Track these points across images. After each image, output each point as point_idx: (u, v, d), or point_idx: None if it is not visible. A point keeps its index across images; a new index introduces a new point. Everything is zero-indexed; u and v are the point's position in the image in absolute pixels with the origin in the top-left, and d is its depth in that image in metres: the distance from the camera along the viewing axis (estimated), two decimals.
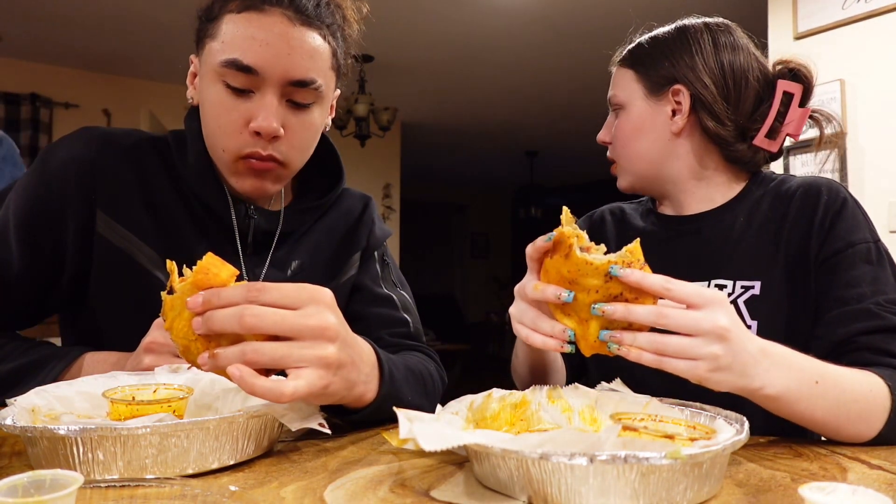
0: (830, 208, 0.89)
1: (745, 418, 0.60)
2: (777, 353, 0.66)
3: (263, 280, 0.96)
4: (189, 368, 0.75)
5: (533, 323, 0.68)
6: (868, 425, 0.70)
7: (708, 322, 0.60)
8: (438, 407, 0.66)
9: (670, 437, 0.55)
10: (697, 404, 0.67)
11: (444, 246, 10.12)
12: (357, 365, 0.69)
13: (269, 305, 0.61)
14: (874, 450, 0.69)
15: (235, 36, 0.83)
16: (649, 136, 0.99)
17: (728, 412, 0.63)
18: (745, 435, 0.55)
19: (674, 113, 0.98)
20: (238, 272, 0.64)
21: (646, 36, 1.03)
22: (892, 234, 2.64)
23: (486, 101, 5.69)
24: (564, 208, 0.66)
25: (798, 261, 0.90)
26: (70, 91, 4.73)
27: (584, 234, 0.63)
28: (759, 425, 0.61)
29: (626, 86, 1.01)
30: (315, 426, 0.65)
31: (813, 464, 0.64)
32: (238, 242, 0.96)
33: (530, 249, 0.69)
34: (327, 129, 0.99)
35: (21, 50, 4.44)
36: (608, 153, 1.06)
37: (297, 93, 0.86)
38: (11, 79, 4.56)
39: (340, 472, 0.60)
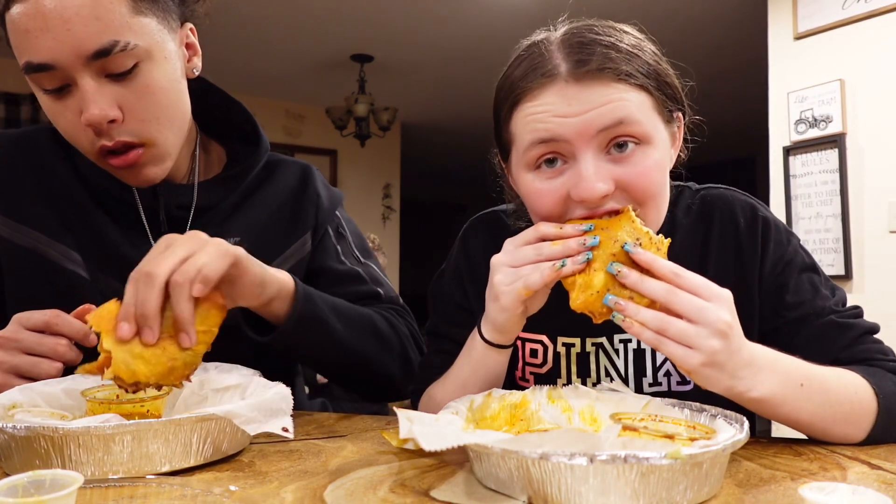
0: (755, 231, 0.82)
1: (745, 418, 0.60)
2: (763, 356, 0.65)
3: None
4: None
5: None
6: (856, 427, 0.70)
7: (713, 314, 0.61)
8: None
9: (670, 437, 0.55)
10: (697, 404, 0.67)
11: (444, 246, 10.10)
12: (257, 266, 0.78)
13: None
14: (874, 449, 0.69)
15: (16, 37, 0.76)
16: (666, 174, 0.77)
17: (728, 412, 0.63)
18: (745, 435, 0.55)
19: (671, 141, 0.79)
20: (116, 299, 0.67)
21: (622, 45, 0.73)
22: (893, 234, 2.64)
23: (486, 101, 5.61)
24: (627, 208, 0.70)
25: (735, 285, 0.72)
26: None
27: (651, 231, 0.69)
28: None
29: (645, 112, 0.72)
30: (278, 431, 0.62)
31: (813, 464, 0.64)
32: (145, 222, 0.92)
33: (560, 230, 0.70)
34: (196, 74, 0.89)
35: None
36: (609, 205, 0.71)
37: (107, 64, 0.76)
38: (11, 79, 4.54)
39: (340, 472, 0.60)
